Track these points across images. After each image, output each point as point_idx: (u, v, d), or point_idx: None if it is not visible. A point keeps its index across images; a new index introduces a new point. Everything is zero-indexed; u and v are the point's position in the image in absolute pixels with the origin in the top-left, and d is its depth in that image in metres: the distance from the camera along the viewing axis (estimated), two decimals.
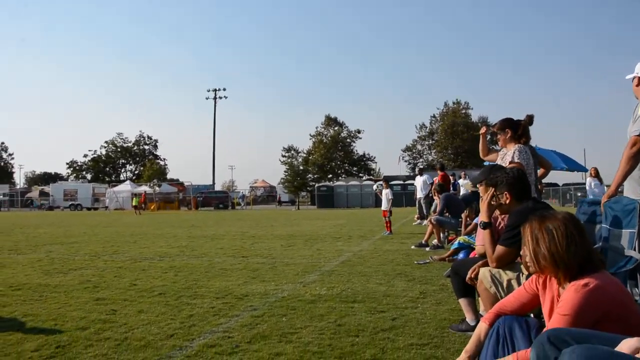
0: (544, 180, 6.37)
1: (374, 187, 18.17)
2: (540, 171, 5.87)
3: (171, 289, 6.18)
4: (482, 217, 3.63)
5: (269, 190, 74.25)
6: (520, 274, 3.31)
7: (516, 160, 4.81)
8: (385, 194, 14.12)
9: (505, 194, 3.52)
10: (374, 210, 39.73)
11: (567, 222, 2.35)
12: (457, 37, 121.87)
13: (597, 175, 14.96)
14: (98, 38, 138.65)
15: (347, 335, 4.05)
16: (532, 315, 2.84)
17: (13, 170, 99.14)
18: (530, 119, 5.24)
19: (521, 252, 2.52)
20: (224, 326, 4.39)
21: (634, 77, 3.83)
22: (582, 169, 19.21)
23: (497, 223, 3.80)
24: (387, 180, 15.63)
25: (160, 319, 4.67)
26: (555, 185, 44.86)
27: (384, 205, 14.19)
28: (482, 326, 2.68)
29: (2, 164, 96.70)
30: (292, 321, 4.53)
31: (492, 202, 3.60)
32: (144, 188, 55.09)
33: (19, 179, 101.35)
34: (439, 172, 15.42)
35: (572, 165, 16.60)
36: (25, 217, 33.82)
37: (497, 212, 3.79)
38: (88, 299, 5.64)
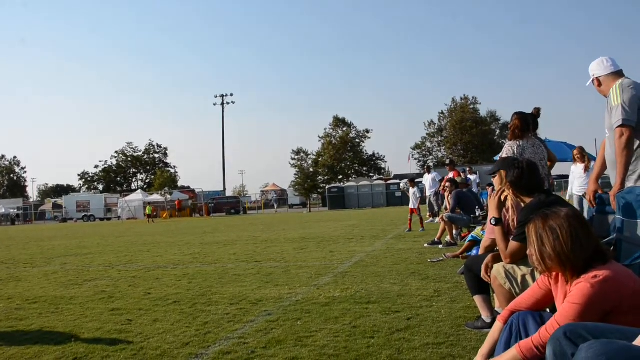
0: (553, 173, 6.35)
1: (401, 185, 18.38)
2: None
3: (185, 296, 6.20)
4: (492, 214, 3.61)
5: (280, 194, 74.26)
6: (535, 269, 3.28)
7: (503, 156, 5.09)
8: (413, 193, 14.62)
9: (511, 191, 3.53)
10: (386, 209, 39.75)
11: (571, 219, 2.36)
12: (464, 31, 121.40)
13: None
14: (105, 48, 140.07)
15: (362, 337, 4.04)
16: (547, 310, 2.81)
17: (26, 184, 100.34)
18: (537, 112, 5.34)
19: (527, 252, 2.51)
20: (239, 332, 4.39)
21: (592, 81, 3.96)
22: (593, 159, 19.01)
23: (507, 218, 3.78)
24: (413, 179, 15.97)
25: (175, 327, 4.68)
26: (567, 177, 44.49)
27: (412, 204, 14.62)
28: (497, 326, 2.66)
29: (15, 178, 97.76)
30: (307, 325, 4.52)
31: (501, 198, 3.58)
32: (156, 197, 55.39)
33: (32, 193, 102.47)
34: (447, 167, 15.47)
35: None
36: (40, 230, 34.09)
37: (507, 206, 3.77)
38: (103, 310, 5.66)
